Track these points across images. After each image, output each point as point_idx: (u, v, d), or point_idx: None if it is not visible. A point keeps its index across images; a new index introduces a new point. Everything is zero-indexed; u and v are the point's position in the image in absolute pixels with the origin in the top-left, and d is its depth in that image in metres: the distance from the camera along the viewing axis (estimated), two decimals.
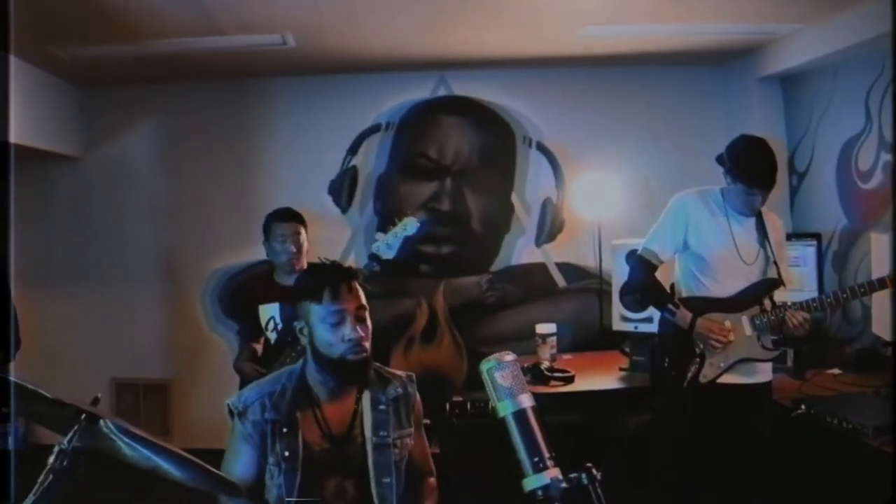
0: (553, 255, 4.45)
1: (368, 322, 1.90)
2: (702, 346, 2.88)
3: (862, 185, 3.70)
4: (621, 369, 3.69)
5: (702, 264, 2.90)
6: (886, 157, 3.50)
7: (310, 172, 4.34)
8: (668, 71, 4.39)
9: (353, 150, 4.37)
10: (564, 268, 4.45)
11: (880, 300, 3.21)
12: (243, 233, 4.13)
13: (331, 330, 1.85)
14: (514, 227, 4.47)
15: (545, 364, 3.65)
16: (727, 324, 2.88)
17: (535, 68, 4.31)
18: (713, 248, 2.86)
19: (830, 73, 3.89)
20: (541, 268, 4.46)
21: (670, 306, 2.90)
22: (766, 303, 2.90)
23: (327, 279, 1.88)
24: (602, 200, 4.17)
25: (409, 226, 2.92)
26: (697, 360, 2.87)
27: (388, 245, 2.90)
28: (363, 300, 1.90)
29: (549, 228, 4.40)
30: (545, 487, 1.39)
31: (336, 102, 4.36)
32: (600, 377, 3.64)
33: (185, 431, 4.32)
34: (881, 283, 2.80)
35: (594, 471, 1.39)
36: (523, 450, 1.43)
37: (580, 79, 4.37)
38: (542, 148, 4.42)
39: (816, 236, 3.83)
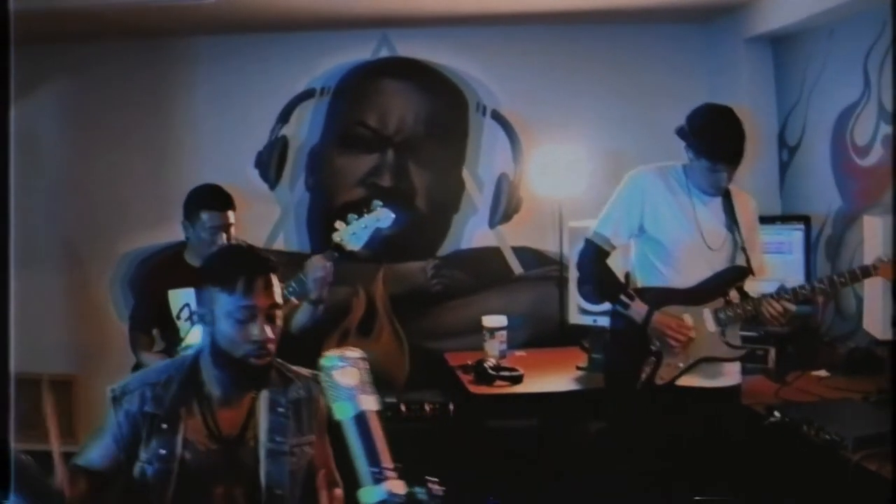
0: (509, 238, 4.30)
1: (279, 322, 1.85)
2: (658, 343, 2.71)
3: (859, 162, 3.54)
4: (579, 368, 3.57)
5: (660, 250, 2.75)
6: (886, 129, 3.35)
7: (234, 143, 4.15)
8: (642, 29, 4.23)
9: (283, 118, 4.18)
10: (521, 253, 4.31)
11: (873, 293, 3.04)
12: (158, 211, 3.95)
13: (236, 326, 1.79)
14: (464, 207, 4.31)
15: (491, 362, 3.52)
16: (687, 318, 2.71)
17: (492, 26, 4.16)
18: (673, 232, 2.72)
19: (826, 34, 3.70)
20: (495, 252, 4.31)
21: (623, 298, 2.74)
22: (733, 295, 2.74)
23: (243, 268, 1.82)
24: (565, 176, 4.01)
25: (384, 217, 2.84)
26: (653, 359, 2.71)
27: (354, 235, 2.81)
28: (278, 298, 1.84)
29: (504, 208, 4.24)
30: (382, 502, 1.38)
31: (264, 65, 4.17)
32: (554, 377, 3.53)
33: (92, 430, 4.05)
34: (864, 272, 2.66)
35: (437, 486, 1.39)
36: (362, 458, 1.41)
37: (542, 38, 4.21)
38: (497, 117, 4.27)
39: (804, 219, 3.68)
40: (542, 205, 4.15)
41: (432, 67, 4.22)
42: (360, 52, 4.19)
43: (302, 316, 2.89)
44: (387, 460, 1.40)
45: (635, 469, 2.72)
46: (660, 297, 2.71)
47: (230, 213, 2.96)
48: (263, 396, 1.86)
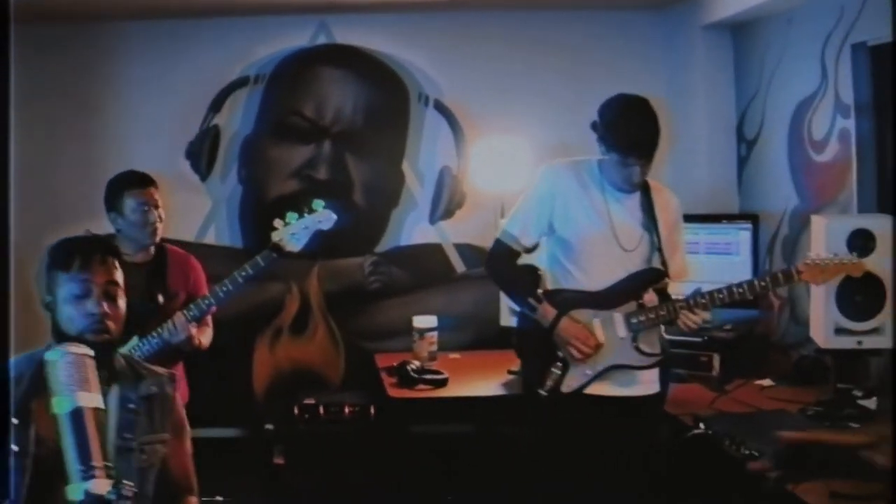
0: (450, 234, 4.21)
1: (121, 304, 1.89)
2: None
3: (815, 157, 3.44)
4: (510, 372, 3.47)
5: (570, 251, 2.64)
6: (843, 123, 3.24)
7: (164, 133, 4.06)
8: (595, 16, 4.15)
9: (215, 106, 4.09)
10: (464, 250, 4.21)
11: (818, 297, 2.90)
12: (84, 202, 3.81)
13: (73, 302, 1.84)
14: (404, 201, 4.22)
15: (415, 364, 3.43)
16: (597, 324, 2.60)
17: (435, 12, 4.09)
18: (584, 231, 2.61)
19: (784, 21, 3.59)
20: (436, 249, 4.22)
21: (531, 301, 2.63)
22: (649, 298, 2.62)
23: (80, 248, 1.90)
24: (511, 170, 3.88)
25: (325, 219, 2.84)
26: (559, 364, 2.59)
27: (294, 236, 2.80)
28: (117, 277, 1.90)
29: (446, 203, 4.12)
30: (82, 501, 1.42)
31: (197, 51, 4.09)
32: (484, 381, 3.45)
33: None
34: (787, 276, 2.55)
35: (130, 488, 1.46)
36: (73, 455, 1.45)
37: (489, 25, 4.11)
38: (440, 107, 4.18)
39: (753, 218, 3.58)
40: (487, 200, 4.03)
41: (372, 55, 4.14)
42: (297, 38, 4.11)
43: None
44: (97, 459, 1.44)
45: (546, 479, 2.62)
46: (569, 301, 2.59)
47: (154, 190, 2.90)
48: (114, 392, 1.85)
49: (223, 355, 3.95)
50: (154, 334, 2.71)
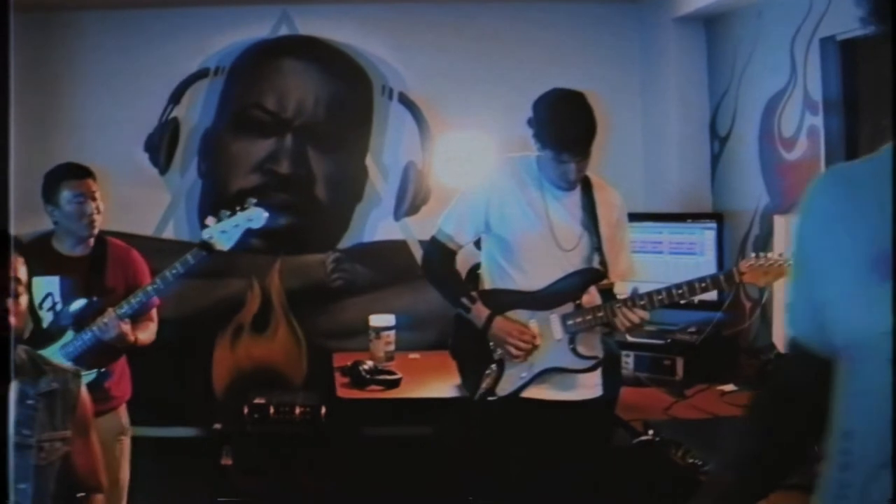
0: (415, 231, 4.11)
1: (22, 300, 1.90)
2: (500, 352, 2.54)
3: (785, 155, 3.36)
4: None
5: (507, 249, 2.58)
6: (812, 120, 3.17)
7: (123, 125, 3.98)
8: (564, 7, 4.04)
9: (175, 98, 4.02)
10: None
11: (781, 301, 2.91)
12: (38, 195, 3.71)
13: None
14: (368, 196, 4.12)
15: (368, 364, 3.36)
16: (533, 325, 2.53)
17: (400, 3, 4.02)
18: (521, 229, 2.55)
19: (755, 14, 3.51)
20: (400, 246, 4.12)
21: (464, 301, 2.57)
22: (588, 299, 2.56)
23: None
24: (478, 165, 3.79)
25: (256, 217, 2.80)
26: (494, 367, 2.54)
27: (224, 233, 2.78)
28: (20, 274, 1.90)
29: (411, 199, 4.04)
30: None
31: (156, 42, 4.01)
32: (440, 382, 3.34)
33: None
34: (728, 277, 2.49)
35: None
36: None
37: (455, 16, 4.03)
38: (405, 100, 4.08)
39: (717, 217, 3.52)
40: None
41: (335, 47, 4.05)
42: (258, 29, 4.03)
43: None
44: None
45: (486, 484, 2.60)
46: (504, 301, 2.53)
47: (91, 182, 2.85)
48: (13, 387, 1.83)
49: (182, 353, 3.96)
50: (87, 330, 2.67)
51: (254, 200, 2.79)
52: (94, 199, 2.81)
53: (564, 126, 2.42)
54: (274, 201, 3.93)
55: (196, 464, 3.38)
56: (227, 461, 3.25)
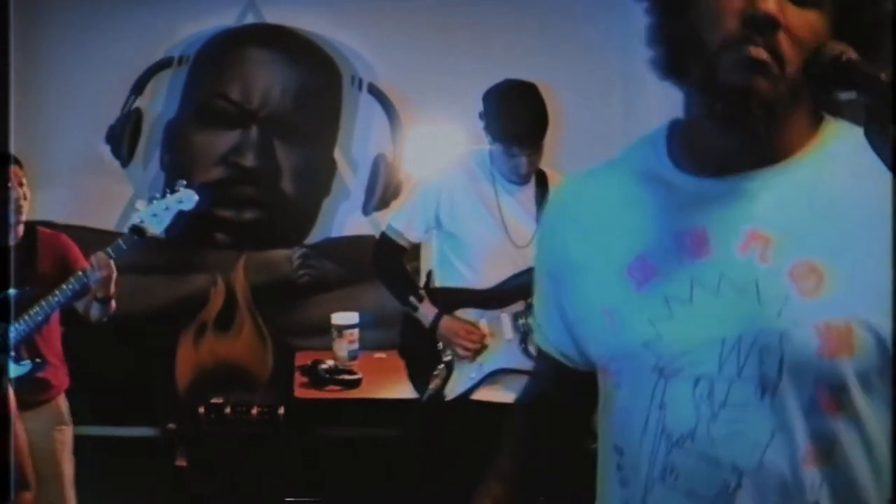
0: (385, 225, 3.85)
1: None
2: (450, 352, 2.46)
3: None
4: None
5: (458, 246, 2.50)
6: None
7: (83, 116, 3.89)
8: None
9: (137, 89, 3.92)
10: None
11: None
12: None
13: None
14: (336, 190, 4.02)
15: (328, 364, 3.31)
16: (483, 324, 2.45)
17: None
18: (472, 225, 2.48)
19: None
20: (369, 241, 3.76)
21: (411, 299, 2.51)
22: None
23: None
24: (449, 158, 3.41)
25: (186, 199, 2.76)
26: (442, 367, 2.47)
27: (155, 217, 2.73)
28: None
29: (381, 193, 3.91)
30: None
31: (118, 30, 3.90)
32: (403, 383, 3.05)
33: None
34: None
35: None
36: None
37: (426, 4, 3.92)
38: (374, 91, 3.97)
39: None
40: None
41: (303, 36, 3.94)
42: (223, 17, 3.92)
43: (95, 311, 2.75)
44: None
45: (435, 488, 2.42)
46: (453, 300, 2.45)
47: (16, 168, 2.76)
48: None
49: (144, 351, 3.88)
50: (21, 320, 2.61)
51: (184, 182, 2.74)
52: (19, 185, 2.73)
53: (514, 118, 2.34)
54: (239, 195, 3.88)
55: (152, 464, 3.29)
56: (181, 462, 3.16)
